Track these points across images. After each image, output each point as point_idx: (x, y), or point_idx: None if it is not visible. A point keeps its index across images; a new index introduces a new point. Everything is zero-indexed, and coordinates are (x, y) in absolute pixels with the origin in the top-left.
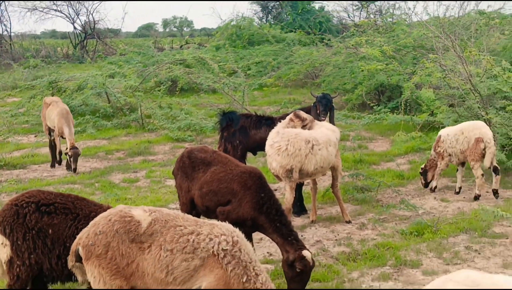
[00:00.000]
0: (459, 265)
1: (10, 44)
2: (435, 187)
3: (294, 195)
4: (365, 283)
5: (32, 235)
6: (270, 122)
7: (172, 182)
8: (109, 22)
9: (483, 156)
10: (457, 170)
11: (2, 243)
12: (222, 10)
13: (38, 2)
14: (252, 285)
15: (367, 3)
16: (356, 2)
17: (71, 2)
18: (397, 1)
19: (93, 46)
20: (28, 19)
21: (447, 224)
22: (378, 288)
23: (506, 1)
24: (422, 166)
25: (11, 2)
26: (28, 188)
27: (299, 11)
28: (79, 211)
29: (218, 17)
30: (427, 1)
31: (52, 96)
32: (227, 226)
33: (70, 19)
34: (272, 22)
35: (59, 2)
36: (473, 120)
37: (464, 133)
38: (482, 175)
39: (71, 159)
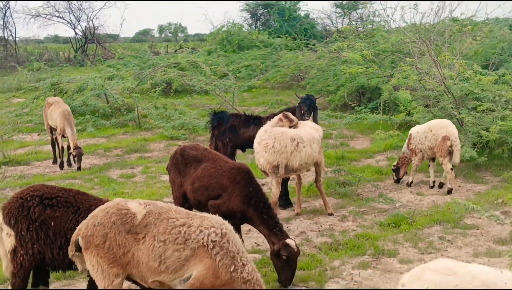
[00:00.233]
0: (433, 255)
1: (15, 48)
2: (411, 182)
3: (280, 190)
4: (346, 271)
5: (36, 227)
6: (258, 121)
7: (166, 178)
8: (108, 28)
9: (450, 152)
10: (429, 165)
11: (7, 233)
12: (214, 17)
13: (42, 9)
14: (239, 274)
15: (349, 11)
16: (339, 10)
17: (72, 9)
18: (377, 10)
19: (93, 50)
20: (32, 25)
21: (422, 216)
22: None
23: (478, 9)
24: (395, 163)
25: (16, 8)
26: (32, 183)
27: (286, 18)
28: (80, 205)
29: (210, 24)
30: (405, 9)
31: (54, 96)
32: (216, 219)
33: (71, 25)
34: (261, 28)
35: (61, 9)
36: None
37: (432, 131)
38: (452, 169)
39: (75, 159)
